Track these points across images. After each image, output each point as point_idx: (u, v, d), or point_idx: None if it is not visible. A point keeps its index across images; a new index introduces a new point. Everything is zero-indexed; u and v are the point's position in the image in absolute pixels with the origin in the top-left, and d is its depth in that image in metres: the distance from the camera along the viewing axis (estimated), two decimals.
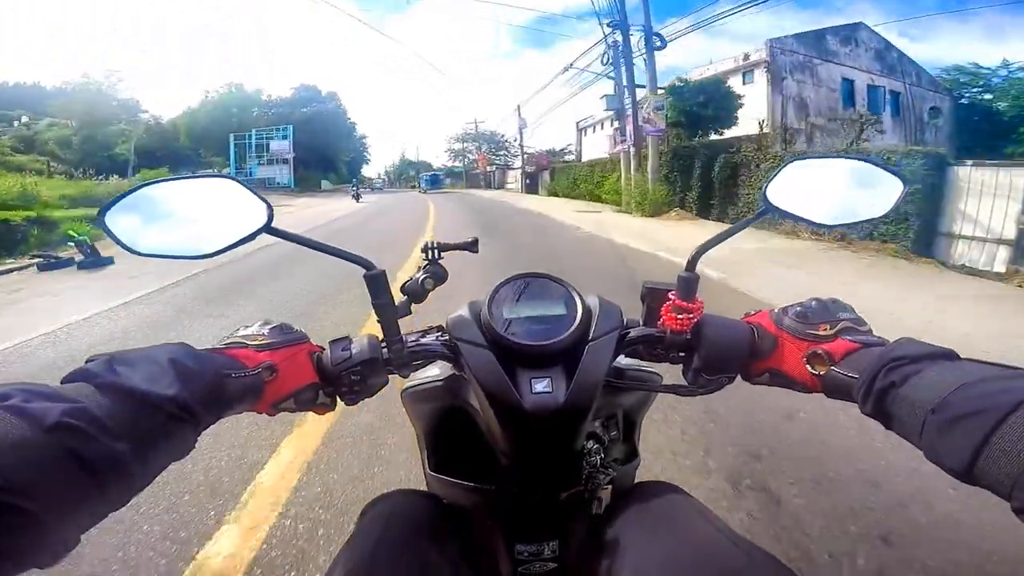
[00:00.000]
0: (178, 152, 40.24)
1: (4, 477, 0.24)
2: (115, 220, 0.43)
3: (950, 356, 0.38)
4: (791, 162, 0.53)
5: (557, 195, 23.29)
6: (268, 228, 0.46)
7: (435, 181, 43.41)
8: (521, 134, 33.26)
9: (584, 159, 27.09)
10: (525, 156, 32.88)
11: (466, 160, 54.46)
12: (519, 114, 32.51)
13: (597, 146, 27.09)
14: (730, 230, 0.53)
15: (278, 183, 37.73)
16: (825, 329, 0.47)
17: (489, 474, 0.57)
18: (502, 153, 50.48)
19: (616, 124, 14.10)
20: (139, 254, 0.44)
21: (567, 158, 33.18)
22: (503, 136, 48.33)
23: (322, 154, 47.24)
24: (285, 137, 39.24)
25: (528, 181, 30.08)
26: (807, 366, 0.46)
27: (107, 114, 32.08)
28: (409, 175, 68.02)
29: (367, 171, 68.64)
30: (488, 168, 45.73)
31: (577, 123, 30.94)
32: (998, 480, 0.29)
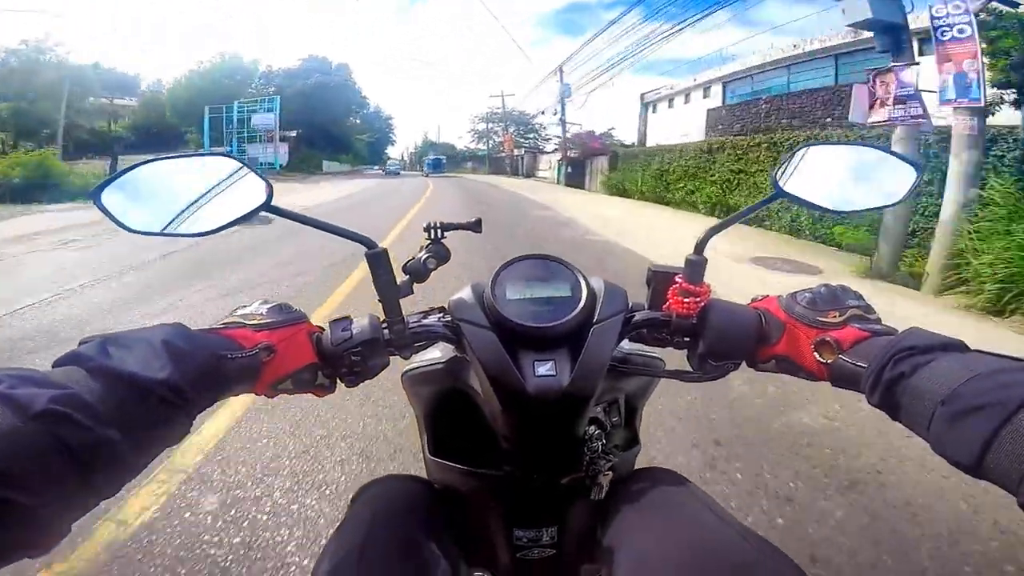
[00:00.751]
0: (168, 128, 34.21)
1: None
2: (110, 199, 0.43)
3: (961, 347, 0.37)
4: (805, 147, 0.53)
5: (626, 195, 15.37)
6: (267, 206, 0.46)
7: (437, 165, 46.38)
8: (563, 105, 24.65)
9: (648, 143, 19.13)
10: (566, 137, 24.57)
11: (491, 143, 47.52)
12: (560, 78, 24.38)
13: (669, 128, 18.99)
14: (740, 213, 0.55)
15: (261, 163, 30.68)
16: (834, 316, 0.46)
17: (490, 458, 0.56)
18: (532, 136, 43.00)
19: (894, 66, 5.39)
20: (134, 232, 0.44)
21: (616, 142, 24.99)
22: (533, 116, 40.50)
23: (327, 131, 40.76)
24: (270, 110, 32.05)
25: (570, 169, 22.26)
26: (815, 354, 0.45)
27: (47, 84, 25.63)
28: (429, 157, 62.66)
29: (392, 152, 65.65)
30: (515, 152, 38.36)
31: (642, 95, 22.21)
32: (1007, 474, 0.29)
